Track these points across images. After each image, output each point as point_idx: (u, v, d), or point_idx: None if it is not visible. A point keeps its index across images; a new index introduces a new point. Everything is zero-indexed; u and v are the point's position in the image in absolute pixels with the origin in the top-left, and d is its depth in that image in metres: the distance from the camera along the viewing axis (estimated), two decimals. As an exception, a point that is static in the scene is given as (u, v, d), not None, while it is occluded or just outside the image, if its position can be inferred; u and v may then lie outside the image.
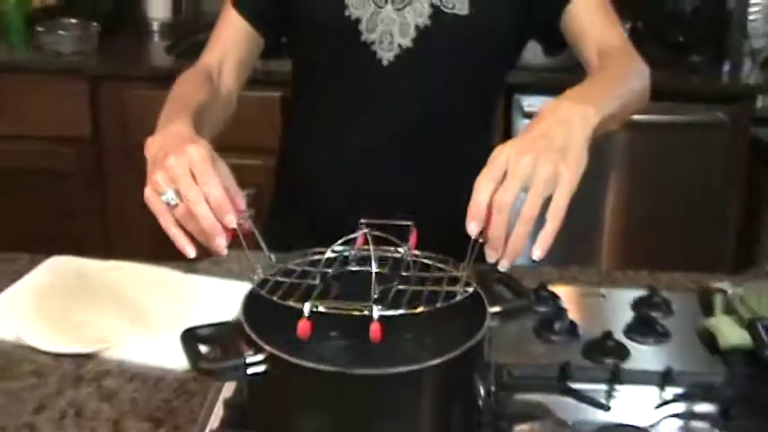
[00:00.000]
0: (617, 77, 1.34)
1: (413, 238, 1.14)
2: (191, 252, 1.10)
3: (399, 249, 1.12)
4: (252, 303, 1.05)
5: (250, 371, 0.97)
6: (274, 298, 1.02)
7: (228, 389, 1.17)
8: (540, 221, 1.04)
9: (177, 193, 1.08)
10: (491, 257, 1.04)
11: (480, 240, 1.03)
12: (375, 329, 0.96)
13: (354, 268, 1.11)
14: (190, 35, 3.13)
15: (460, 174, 1.59)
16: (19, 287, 1.45)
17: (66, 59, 2.92)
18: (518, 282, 1.16)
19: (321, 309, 0.99)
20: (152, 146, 1.16)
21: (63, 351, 1.29)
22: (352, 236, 1.13)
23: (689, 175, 2.95)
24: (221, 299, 1.35)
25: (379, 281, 1.05)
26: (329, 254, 1.12)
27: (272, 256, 1.11)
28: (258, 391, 1.03)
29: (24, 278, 1.47)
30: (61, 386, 1.22)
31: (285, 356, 0.95)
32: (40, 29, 2.98)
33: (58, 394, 1.20)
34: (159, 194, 1.09)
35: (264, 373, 0.97)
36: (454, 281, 1.06)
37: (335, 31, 1.49)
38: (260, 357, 0.97)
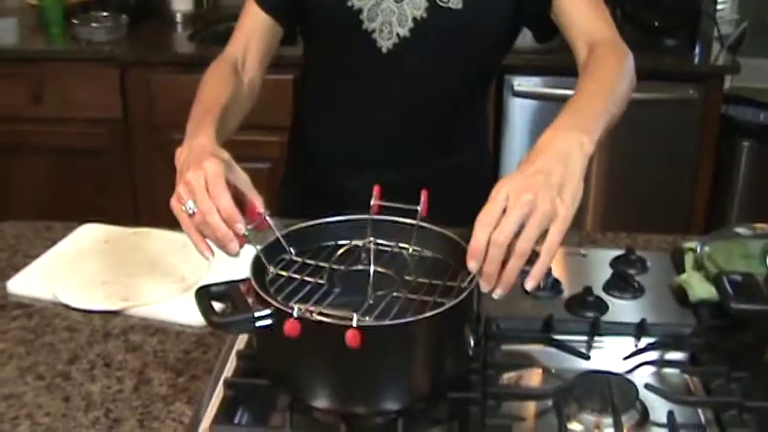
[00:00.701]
0: (607, 85, 1.25)
1: (423, 205, 1.10)
2: (208, 256, 1.10)
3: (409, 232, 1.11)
4: (259, 265, 1.04)
5: (258, 324, 0.96)
6: (278, 299, 0.98)
7: (241, 342, 1.16)
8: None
9: (196, 203, 1.08)
10: (484, 289, 1.00)
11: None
12: (352, 336, 0.90)
13: (360, 267, 1.08)
14: (209, 25, 3.11)
15: (457, 149, 1.59)
16: (54, 252, 1.44)
17: (99, 48, 2.89)
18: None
19: (310, 315, 0.94)
20: (179, 157, 1.16)
21: (93, 308, 1.28)
22: (364, 217, 1.12)
23: (665, 148, 2.92)
24: (234, 261, 1.33)
25: (381, 283, 1.03)
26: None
27: (292, 250, 1.10)
28: (266, 343, 1.02)
29: (58, 244, 1.46)
30: (91, 340, 1.22)
31: (290, 311, 0.93)
32: (75, 21, 2.96)
33: (89, 347, 1.20)
34: (181, 204, 1.09)
35: (271, 325, 0.95)
36: (448, 290, 1.02)
37: (339, 20, 1.47)
38: (267, 312, 0.95)
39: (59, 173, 2.95)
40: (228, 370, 1.11)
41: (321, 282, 1.04)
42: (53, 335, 1.23)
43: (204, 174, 1.08)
